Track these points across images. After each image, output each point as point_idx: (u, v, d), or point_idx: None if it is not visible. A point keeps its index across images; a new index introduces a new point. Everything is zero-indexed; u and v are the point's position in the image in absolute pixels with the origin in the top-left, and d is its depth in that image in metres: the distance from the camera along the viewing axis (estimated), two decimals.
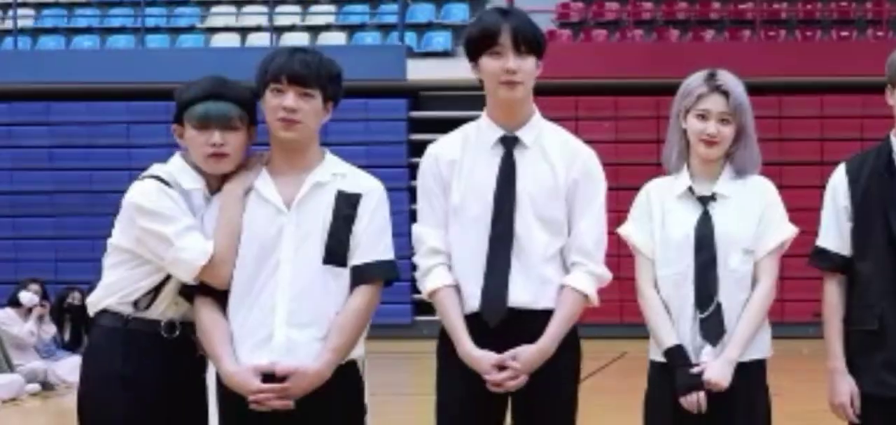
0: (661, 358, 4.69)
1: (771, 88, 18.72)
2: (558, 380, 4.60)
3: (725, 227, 4.64)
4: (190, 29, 21.85)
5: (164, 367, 4.48)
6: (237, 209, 4.44)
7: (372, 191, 4.52)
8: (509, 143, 4.61)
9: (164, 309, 4.50)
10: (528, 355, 4.50)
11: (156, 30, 21.70)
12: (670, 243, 4.67)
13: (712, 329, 4.62)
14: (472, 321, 4.56)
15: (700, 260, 4.62)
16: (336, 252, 4.41)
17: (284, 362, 4.35)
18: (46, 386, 14.24)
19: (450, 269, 4.60)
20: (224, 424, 4.49)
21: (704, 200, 4.68)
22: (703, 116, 4.65)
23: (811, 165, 17.70)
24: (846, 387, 4.68)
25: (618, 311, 17.62)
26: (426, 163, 4.69)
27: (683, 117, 4.72)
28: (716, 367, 4.58)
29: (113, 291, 4.51)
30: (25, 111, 20.10)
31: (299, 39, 21.08)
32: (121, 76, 19.04)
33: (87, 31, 21.98)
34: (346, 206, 4.45)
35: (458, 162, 4.61)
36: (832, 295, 4.75)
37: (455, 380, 4.61)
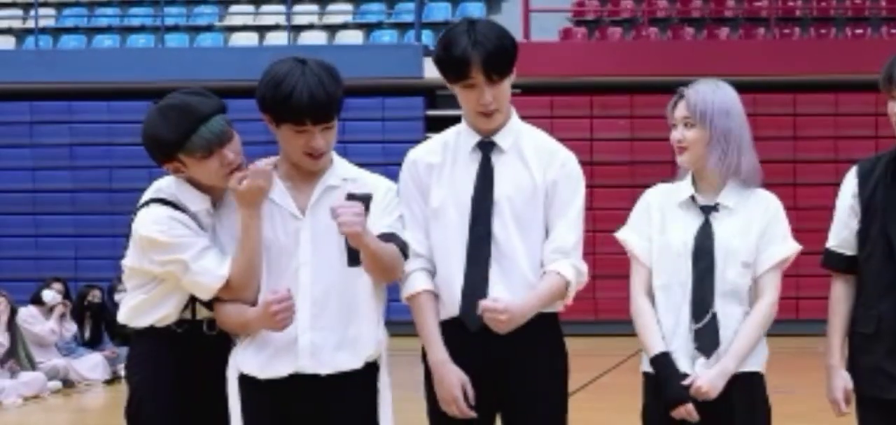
0: (652, 370, 4.66)
1: (785, 86, 18.68)
2: (545, 386, 4.57)
3: (726, 239, 4.61)
4: (208, 28, 21.89)
5: (210, 363, 4.48)
6: (258, 231, 4.39)
7: (380, 187, 4.50)
8: (487, 148, 4.57)
9: (203, 313, 4.51)
10: (506, 305, 4.40)
11: (175, 28, 21.74)
12: (669, 251, 4.64)
13: (707, 340, 4.58)
14: (454, 325, 4.52)
15: (698, 269, 4.59)
16: (355, 254, 4.36)
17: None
18: (67, 384, 14.30)
19: (431, 274, 4.56)
20: (246, 422, 4.47)
21: (707, 210, 4.65)
22: (674, 125, 4.69)
23: (825, 163, 17.65)
24: (840, 383, 4.70)
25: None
26: (406, 168, 4.64)
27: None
28: (707, 377, 4.54)
29: (145, 310, 4.50)
30: (46, 110, 20.16)
31: (316, 38, 21.11)
32: (140, 75, 19.07)
33: (108, 30, 22.03)
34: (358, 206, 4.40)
35: (438, 166, 4.58)
36: (837, 293, 4.77)
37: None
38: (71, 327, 15.02)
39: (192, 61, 19.62)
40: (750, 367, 4.64)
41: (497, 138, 4.56)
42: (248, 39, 21.59)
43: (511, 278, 4.50)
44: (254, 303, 4.40)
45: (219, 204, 4.53)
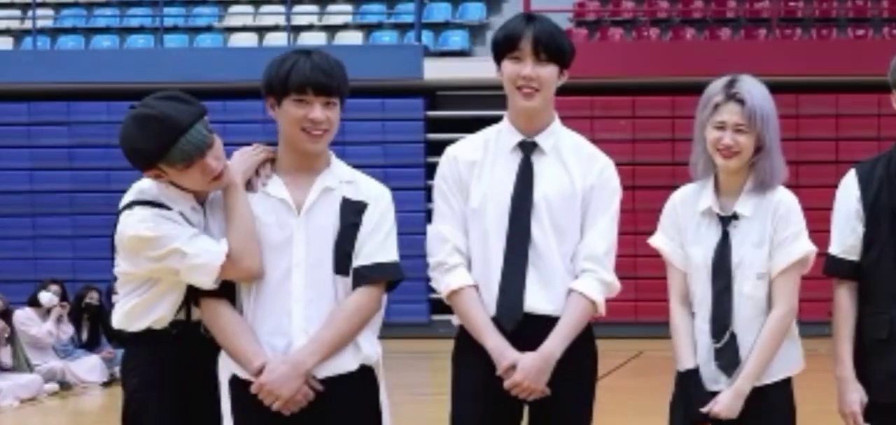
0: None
1: (787, 87, 18.63)
2: (573, 386, 4.58)
3: (740, 253, 4.57)
4: (208, 29, 21.87)
5: (205, 365, 4.46)
6: (244, 201, 4.37)
7: (378, 198, 4.48)
8: (528, 149, 4.60)
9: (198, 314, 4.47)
10: (530, 362, 4.45)
11: (174, 29, 21.72)
12: (691, 265, 4.63)
13: (727, 359, 4.56)
14: None
15: (716, 287, 4.56)
16: (343, 262, 4.39)
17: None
18: (64, 386, 14.28)
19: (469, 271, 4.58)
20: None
21: (725, 221, 4.60)
22: (720, 126, 4.55)
23: (827, 164, 17.66)
24: (856, 396, 4.63)
25: (633, 311, 17.66)
26: (445, 163, 4.66)
27: (704, 128, 4.62)
28: (724, 399, 4.54)
29: (140, 314, 4.47)
30: (45, 111, 20.14)
31: (316, 39, 21.08)
32: (139, 76, 19.04)
33: (106, 30, 22.00)
34: (352, 214, 4.42)
35: (478, 164, 4.60)
36: (842, 301, 4.69)
37: (468, 389, 4.61)
38: (68, 329, 14.99)
39: (191, 62, 19.60)
40: (773, 377, 4.60)
41: (539, 139, 4.60)
42: (248, 40, 21.57)
43: (547, 280, 4.52)
44: (258, 276, 4.35)
45: (204, 199, 4.48)
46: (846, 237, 4.67)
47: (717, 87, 4.61)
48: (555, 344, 4.48)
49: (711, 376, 4.59)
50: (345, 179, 4.47)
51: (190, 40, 21.60)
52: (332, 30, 21.58)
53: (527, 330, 4.49)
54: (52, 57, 20.74)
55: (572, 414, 4.61)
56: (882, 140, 16.21)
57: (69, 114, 20.19)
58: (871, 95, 17.90)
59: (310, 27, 21.60)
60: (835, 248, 4.70)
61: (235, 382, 4.40)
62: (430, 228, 4.64)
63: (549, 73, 4.56)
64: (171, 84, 18.77)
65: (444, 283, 4.58)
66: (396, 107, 19.72)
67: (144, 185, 4.46)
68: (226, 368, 4.43)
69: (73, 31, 22.05)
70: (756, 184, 4.59)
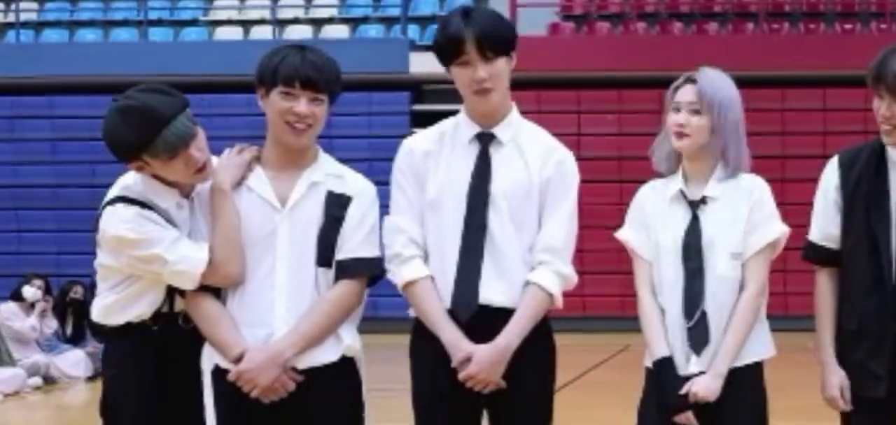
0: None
1: (774, 81, 18.70)
2: (529, 378, 4.56)
3: (712, 233, 4.62)
4: (193, 22, 21.85)
5: (187, 358, 4.47)
6: (230, 206, 4.41)
7: (362, 193, 4.52)
8: (485, 140, 4.59)
9: (181, 304, 4.50)
10: (485, 354, 4.44)
11: (159, 23, 21.69)
12: (660, 250, 4.66)
13: (698, 338, 4.59)
14: None
15: (688, 268, 4.60)
16: (326, 255, 4.43)
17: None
18: (48, 380, 14.25)
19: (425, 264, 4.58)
20: (220, 419, 4.47)
21: (694, 205, 4.65)
22: (676, 109, 4.66)
23: (814, 159, 17.63)
24: (836, 379, 4.66)
25: (620, 306, 17.68)
26: (402, 155, 4.65)
27: (667, 114, 4.71)
28: (703, 382, 4.56)
29: (120, 308, 4.48)
30: (28, 105, 20.09)
31: (302, 33, 21.07)
32: (124, 69, 18.97)
33: (90, 24, 21.98)
34: (336, 208, 4.45)
35: (434, 155, 4.59)
36: (823, 288, 4.73)
37: (426, 379, 4.63)
38: (51, 324, 14.97)
39: (175, 56, 19.57)
40: (745, 360, 4.64)
41: (496, 130, 4.59)
42: (233, 33, 21.55)
43: (503, 272, 4.51)
44: (239, 282, 4.40)
45: (190, 192, 4.50)
46: (825, 225, 4.71)
47: (681, 77, 4.72)
48: (510, 336, 4.47)
49: (682, 363, 4.61)
50: (332, 173, 4.51)
51: (174, 34, 21.57)
52: (318, 23, 21.56)
53: (482, 322, 4.47)
54: (36, 50, 20.72)
55: (531, 407, 4.60)
56: (869, 134, 16.20)
57: (53, 108, 20.15)
58: (859, 90, 17.80)
59: (295, 21, 21.58)
60: (814, 235, 4.74)
61: (218, 372, 4.43)
62: (386, 220, 4.62)
63: (499, 69, 4.53)
64: (156, 77, 18.64)
65: (399, 275, 4.57)
66: (382, 102, 19.71)
67: (129, 181, 4.47)
68: (209, 359, 4.47)
69: (56, 24, 22.01)
70: (725, 171, 4.66)
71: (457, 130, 4.63)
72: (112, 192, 4.47)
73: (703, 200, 4.65)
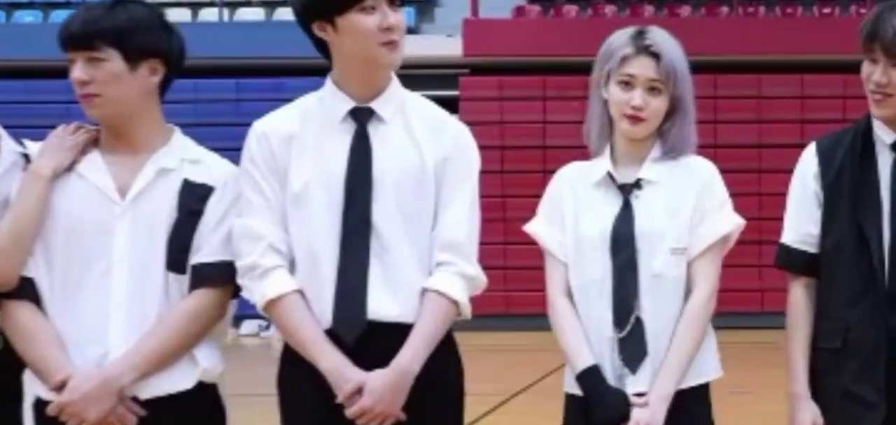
0: (578, 391, 4.00)
1: (750, 66, 18.72)
2: (437, 408, 3.89)
3: (648, 222, 3.97)
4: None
5: (7, 383, 3.88)
6: (36, 192, 3.79)
7: (227, 182, 3.88)
8: (362, 117, 3.89)
9: None
10: (380, 382, 3.73)
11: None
12: (584, 243, 4.00)
13: (632, 351, 3.94)
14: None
15: (617, 264, 3.95)
16: (178, 257, 3.82)
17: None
18: None
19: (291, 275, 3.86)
20: None
21: (626, 189, 4.01)
22: (627, 84, 3.99)
23: (791, 147, 17.67)
24: (808, 417, 4.07)
25: None
26: (254, 142, 3.89)
27: (605, 85, 4.06)
28: (645, 413, 3.90)
29: None
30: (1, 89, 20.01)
31: (254, 15, 21.00)
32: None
33: (29, 5, 21.87)
34: (193, 200, 3.84)
35: (298, 138, 3.88)
36: (797, 303, 4.14)
37: (303, 420, 3.92)
38: None
39: None
40: (690, 382, 4.00)
41: (375, 105, 3.89)
42: (181, 16, 21.43)
43: (395, 278, 3.83)
44: (9, 285, 3.79)
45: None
46: (801, 223, 4.13)
47: (621, 38, 4.08)
48: (410, 356, 3.77)
49: (612, 377, 3.97)
50: (188, 158, 3.90)
51: None
52: (270, 6, 21.50)
53: (373, 342, 3.77)
54: (8, 31, 20.66)
55: None
56: (848, 122, 16.28)
57: (27, 94, 20.06)
58: (838, 76, 18.00)
59: (247, 3, 21.52)
60: (788, 236, 4.17)
61: (40, 405, 3.80)
62: (235, 225, 3.87)
63: (402, 22, 3.96)
64: None
65: (258, 292, 3.82)
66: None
67: None
68: (30, 389, 3.85)
69: (29, 5, 21.96)
70: (665, 150, 4.04)
71: (323, 107, 3.93)
72: None
73: (637, 184, 4.02)
